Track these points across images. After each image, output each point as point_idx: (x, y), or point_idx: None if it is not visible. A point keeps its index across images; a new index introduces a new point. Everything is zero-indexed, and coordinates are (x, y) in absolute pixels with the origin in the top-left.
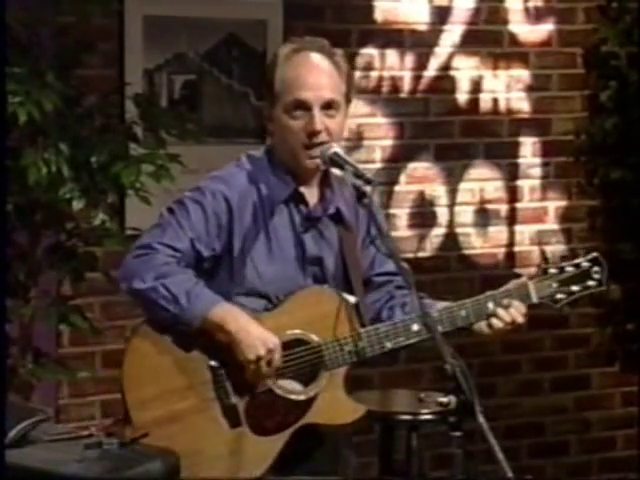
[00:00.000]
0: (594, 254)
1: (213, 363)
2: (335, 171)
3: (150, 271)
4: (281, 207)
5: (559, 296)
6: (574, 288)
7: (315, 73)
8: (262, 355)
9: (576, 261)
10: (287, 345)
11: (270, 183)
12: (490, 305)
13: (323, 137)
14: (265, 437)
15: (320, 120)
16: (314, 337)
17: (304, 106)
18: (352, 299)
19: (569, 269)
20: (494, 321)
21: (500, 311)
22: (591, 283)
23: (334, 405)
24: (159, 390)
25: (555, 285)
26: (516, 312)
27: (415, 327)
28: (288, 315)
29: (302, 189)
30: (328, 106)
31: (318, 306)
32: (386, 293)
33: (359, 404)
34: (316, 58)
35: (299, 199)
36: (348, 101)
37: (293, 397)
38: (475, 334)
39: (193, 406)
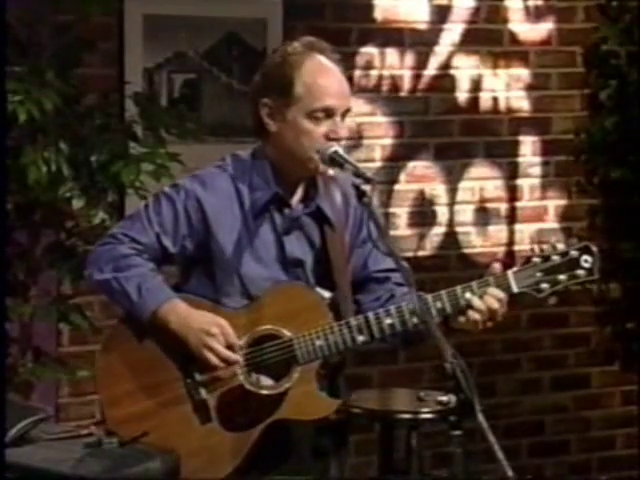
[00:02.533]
0: (585, 243)
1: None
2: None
3: (109, 262)
4: (263, 209)
5: (543, 285)
6: (560, 277)
7: (337, 81)
8: (209, 343)
9: (564, 249)
10: (259, 340)
11: (252, 185)
12: (467, 295)
13: (340, 143)
14: (236, 433)
15: (340, 126)
16: (285, 332)
17: (329, 113)
18: (326, 294)
19: (555, 258)
20: (470, 313)
21: (475, 301)
22: (580, 272)
23: (306, 400)
24: (131, 387)
25: (539, 274)
26: (492, 299)
27: (388, 321)
28: (260, 311)
29: (285, 191)
30: (346, 113)
31: (290, 301)
32: (386, 291)
33: (332, 399)
34: (330, 64)
35: (281, 201)
36: None
37: (264, 392)
38: (456, 329)
39: (164, 403)
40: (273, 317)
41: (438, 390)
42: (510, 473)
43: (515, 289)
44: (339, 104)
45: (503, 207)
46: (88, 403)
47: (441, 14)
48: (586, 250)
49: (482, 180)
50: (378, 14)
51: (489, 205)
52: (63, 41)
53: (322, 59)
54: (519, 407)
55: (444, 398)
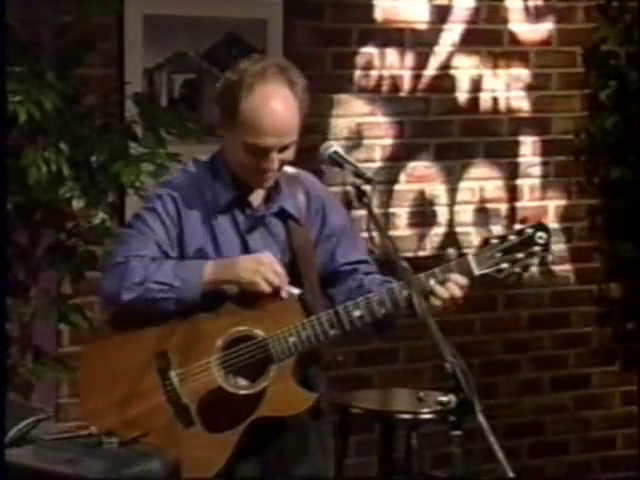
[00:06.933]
0: (540, 221)
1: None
2: (289, 170)
3: (131, 280)
4: (224, 210)
5: (503, 265)
6: (518, 255)
7: (277, 117)
8: (265, 275)
9: (519, 228)
10: (234, 342)
11: (213, 188)
12: (431, 282)
13: (276, 171)
14: (219, 433)
15: (276, 161)
16: (259, 332)
17: (263, 150)
18: (295, 291)
19: (512, 237)
20: (432, 299)
21: (437, 288)
22: (536, 249)
23: (284, 396)
24: (110, 399)
25: (498, 255)
26: (454, 286)
27: (357, 313)
28: (233, 313)
29: (246, 192)
30: (285, 148)
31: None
32: (355, 282)
33: (309, 393)
34: (279, 92)
35: (242, 202)
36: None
37: (242, 392)
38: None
39: (145, 411)
40: (246, 318)
41: (438, 390)
42: (510, 473)
43: (476, 272)
44: (274, 143)
45: (503, 207)
46: None
47: (441, 14)
48: (540, 227)
49: (482, 180)
50: (378, 14)
51: (489, 205)
52: (63, 41)
53: (274, 87)
54: (519, 407)
55: (444, 398)
